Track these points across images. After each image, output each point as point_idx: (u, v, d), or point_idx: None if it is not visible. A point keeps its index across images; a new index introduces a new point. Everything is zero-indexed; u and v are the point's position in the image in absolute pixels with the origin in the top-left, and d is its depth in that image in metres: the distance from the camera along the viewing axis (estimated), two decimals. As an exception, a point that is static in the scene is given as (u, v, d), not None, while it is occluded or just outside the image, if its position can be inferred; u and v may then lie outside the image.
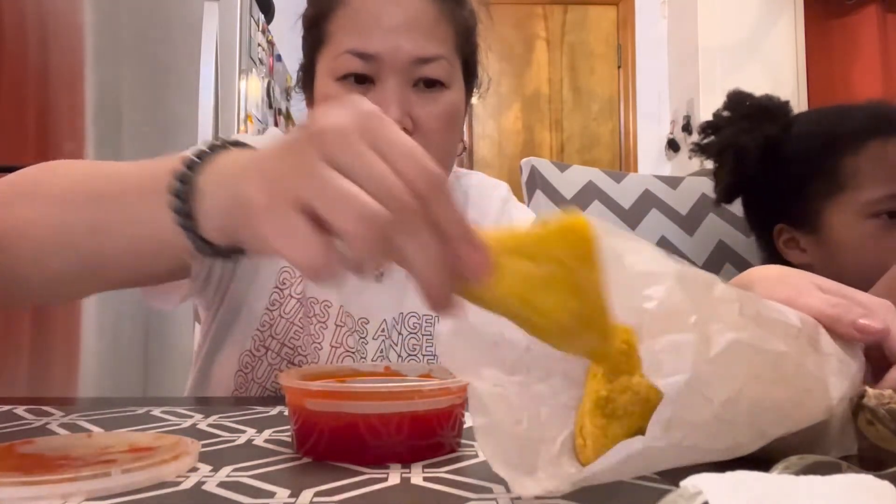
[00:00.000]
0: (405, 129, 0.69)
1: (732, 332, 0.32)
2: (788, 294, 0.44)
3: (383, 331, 0.78)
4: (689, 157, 1.17)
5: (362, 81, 0.72)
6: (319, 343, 0.75)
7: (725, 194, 1.11)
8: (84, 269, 0.51)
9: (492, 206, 0.87)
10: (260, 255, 0.50)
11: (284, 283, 0.75)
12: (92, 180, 0.50)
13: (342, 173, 0.31)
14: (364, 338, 0.77)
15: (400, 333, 0.78)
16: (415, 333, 0.79)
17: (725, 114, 1.10)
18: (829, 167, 0.97)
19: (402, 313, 0.79)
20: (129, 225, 0.47)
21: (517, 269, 0.31)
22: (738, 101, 1.10)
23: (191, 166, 0.42)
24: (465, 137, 3.66)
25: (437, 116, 0.73)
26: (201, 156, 0.43)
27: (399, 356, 0.78)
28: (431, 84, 0.72)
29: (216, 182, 0.41)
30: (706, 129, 1.13)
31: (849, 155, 0.96)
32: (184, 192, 0.41)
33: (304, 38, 0.78)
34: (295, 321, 0.75)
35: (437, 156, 0.72)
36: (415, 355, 0.78)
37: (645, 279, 0.31)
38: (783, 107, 1.08)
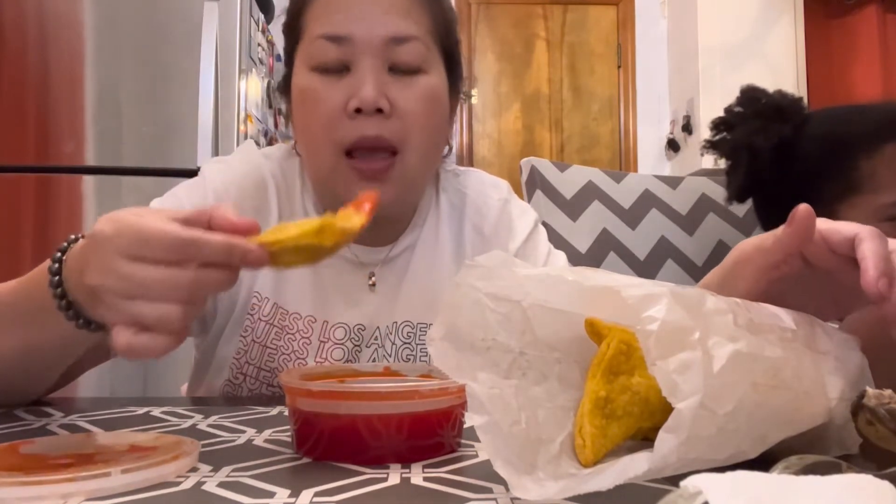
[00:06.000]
0: (381, 111, 0.68)
1: (731, 343, 0.32)
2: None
3: (376, 339, 0.77)
4: (701, 154, 1.16)
5: (336, 70, 0.70)
6: (304, 360, 0.74)
7: (738, 194, 1.10)
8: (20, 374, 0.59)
9: (491, 208, 0.84)
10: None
11: (254, 309, 0.74)
12: None
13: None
14: (358, 345, 0.76)
15: (394, 343, 0.77)
16: (408, 343, 0.78)
17: (738, 110, 1.09)
18: (844, 169, 0.96)
19: (395, 322, 0.77)
20: (28, 328, 0.54)
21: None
22: (751, 98, 1.09)
23: (59, 261, 0.50)
24: (465, 137, 3.67)
25: (417, 99, 0.70)
26: (64, 250, 0.51)
27: None
28: (407, 70, 0.70)
29: (70, 276, 0.49)
30: (718, 125, 1.11)
31: (865, 157, 0.95)
32: (57, 282, 0.49)
33: (285, 41, 0.77)
34: (268, 344, 0.75)
35: (419, 142, 0.71)
36: None
37: (644, 302, 0.32)
38: (796, 105, 1.07)
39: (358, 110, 0.68)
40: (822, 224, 0.48)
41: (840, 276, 0.48)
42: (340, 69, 0.70)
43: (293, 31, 0.75)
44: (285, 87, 0.77)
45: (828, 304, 0.51)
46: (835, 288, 0.50)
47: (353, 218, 0.48)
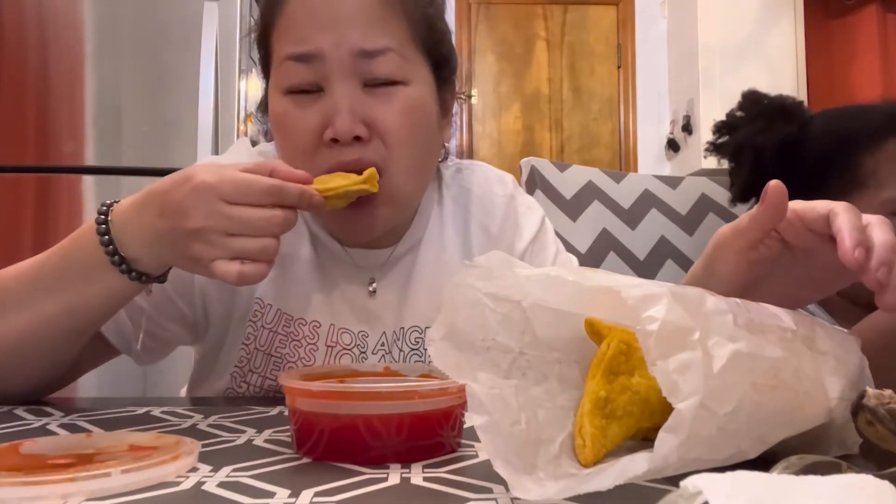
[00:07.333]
0: (359, 138, 0.65)
1: (731, 343, 0.33)
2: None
3: (383, 345, 0.75)
4: (704, 156, 1.17)
5: (308, 91, 0.66)
6: (311, 367, 0.72)
7: (742, 194, 1.10)
8: (62, 331, 0.62)
9: (497, 206, 0.81)
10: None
11: (256, 316, 0.72)
12: (26, 276, 0.61)
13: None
14: (364, 352, 0.74)
15: (401, 350, 0.75)
16: (416, 349, 0.75)
17: (740, 114, 1.10)
18: (848, 165, 0.96)
19: (402, 328, 0.75)
20: (75, 287, 0.58)
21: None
22: (753, 101, 1.09)
23: (104, 215, 0.57)
24: (465, 137, 3.67)
25: (397, 114, 0.66)
26: (105, 213, 0.57)
27: None
28: (383, 83, 0.66)
29: (128, 222, 0.56)
30: (721, 128, 1.12)
31: (868, 153, 0.95)
32: (107, 241, 0.56)
33: (259, 58, 0.74)
34: (272, 352, 0.73)
35: (404, 160, 0.67)
36: None
37: (644, 302, 0.32)
38: (799, 106, 1.08)
39: (335, 139, 0.65)
40: (798, 204, 0.49)
41: (818, 254, 0.49)
42: (313, 90, 0.66)
43: (263, 48, 0.72)
44: (264, 107, 0.74)
45: (808, 286, 0.53)
46: (814, 269, 0.51)
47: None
